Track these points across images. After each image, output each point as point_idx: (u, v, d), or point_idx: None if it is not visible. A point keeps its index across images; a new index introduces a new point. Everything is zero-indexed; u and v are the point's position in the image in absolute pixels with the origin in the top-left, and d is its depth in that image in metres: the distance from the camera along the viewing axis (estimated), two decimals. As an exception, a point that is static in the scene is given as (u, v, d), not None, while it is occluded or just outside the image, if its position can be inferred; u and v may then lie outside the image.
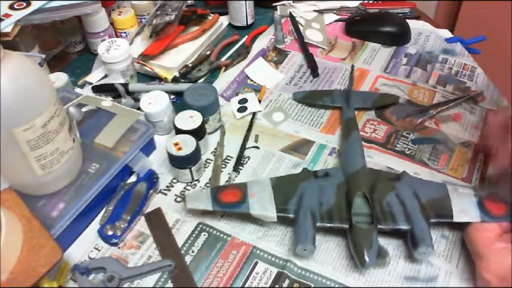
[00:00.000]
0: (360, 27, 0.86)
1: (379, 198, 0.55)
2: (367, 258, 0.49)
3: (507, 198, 0.55)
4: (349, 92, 0.71)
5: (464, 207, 0.54)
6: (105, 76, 0.78)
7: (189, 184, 0.62)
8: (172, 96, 0.74)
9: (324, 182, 0.58)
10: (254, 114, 0.71)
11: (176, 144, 0.59)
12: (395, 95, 0.73)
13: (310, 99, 0.73)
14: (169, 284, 0.52)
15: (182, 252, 0.55)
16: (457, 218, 0.53)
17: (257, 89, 0.76)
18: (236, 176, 0.63)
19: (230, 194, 0.56)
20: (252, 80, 0.78)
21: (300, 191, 0.56)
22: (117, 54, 0.73)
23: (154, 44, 0.79)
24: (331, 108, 0.72)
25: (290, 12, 0.91)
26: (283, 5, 0.94)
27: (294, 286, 0.51)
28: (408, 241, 0.53)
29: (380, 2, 0.94)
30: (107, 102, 0.66)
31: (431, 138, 0.67)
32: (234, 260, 0.54)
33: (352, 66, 0.74)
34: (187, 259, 0.54)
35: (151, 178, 0.61)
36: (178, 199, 0.60)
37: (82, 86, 0.77)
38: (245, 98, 0.73)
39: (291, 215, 0.54)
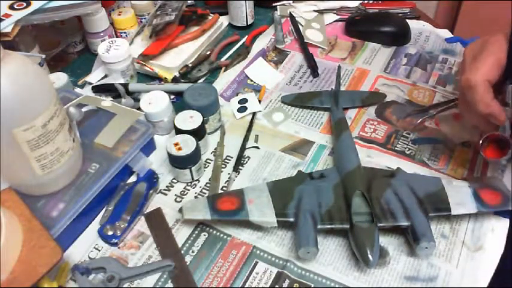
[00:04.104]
0: (360, 27, 0.86)
1: (376, 196, 0.55)
2: (371, 257, 0.49)
3: (500, 187, 0.56)
4: (337, 93, 0.71)
5: (461, 199, 0.55)
6: (105, 76, 0.78)
7: (189, 184, 0.62)
8: (172, 96, 0.74)
9: (321, 183, 0.58)
10: (254, 114, 0.71)
11: (176, 144, 0.59)
12: (383, 93, 0.74)
13: (299, 102, 0.73)
14: (169, 284, 0.52)
15: (182, 252, 0.55)
16: (455, 210, 0.54)
17: (257, 89, 0.76)
18: (236, 176, 0.63)
19: (228, 201, 0.56)
20: (252, 80, 0.78)
21: (298, 194, 0.56)
22: (117, 54, 0.73)
23: (154, 44, 0.79)
24: (321, 110, 0.72)
25: (290, 12, 0.91)
26: (283, 5, 0.94)
27: (294, 286, 0.51)
28: (409, 237, 0.53)
29: (380, 2, 0.94)
30: (107, 102, 0.66)
31: (431, 138, 0.67)
32: (234, 260, 0.54)
33: (339, 67, 0.74)
34: (187, 259, 0.54)
35: (151, 178, 0.61)
36: (178, 199, 0.60)
37: (82, 86, 0.77)
38: (245, 98, 0.73)
39: (291, 219, 0.54)
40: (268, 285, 0.52)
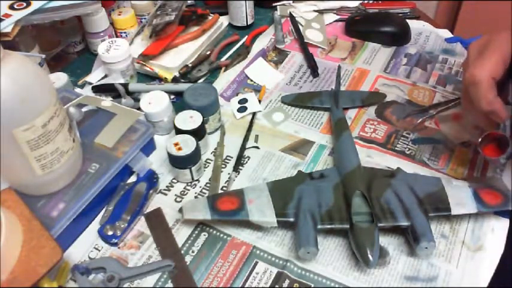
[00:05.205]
0: (360, 27, 0.86)
1: (376, 196, 0.55)
2: (370, 257, 0.49)
3: (500, 187, 0.56)
4: (337, 93, 0.71)
5: (461, 199, 0.55)
6: (105, 76, 0.78)
7: (189, 184, 0.62)
8: (172, 96, 0.74)
9: (320, 183, 0.58)
10: (254, 114, 0.71)
11: (176, 144, 0.59)
12: (383, 93, 0.74)
13: (299, 102, 0.73)
14: (169, 284, 0.52)
15: (182, 252, 0.55)
16: (455, 211, 0.54)
17: (257, 89, 0.76)
18: (236, 176, 0.63)
19: (228, 201, 0.56)
20: (252, 80, 0.78)
21: (298, 194, 0.56)
22: (117, 54, 0.73)
23: (154, 44, 0.79)
24: (321, 110, 0.72)
25: (290, 12, 0.91)
26: (283, 5, 0.94)
27: (294, 286, 0.51)
28: (409, 237, 0.53)
29: (380, 2, 0.94)
30: (107, 102, 0.66)
31: (431, 138, 0.67)
32: (234, 260, 0.54)
33: (339, 67, 0.74)
34: (187, 259, 0.54)
35: (151, 178, 0.61)
36: (178, 199, 0.60)
37: (82, 86, 0.77)
38: (245, 98, 0.73)
39: (291, 219, 0.54)
40: (268, 285, 0.52)
